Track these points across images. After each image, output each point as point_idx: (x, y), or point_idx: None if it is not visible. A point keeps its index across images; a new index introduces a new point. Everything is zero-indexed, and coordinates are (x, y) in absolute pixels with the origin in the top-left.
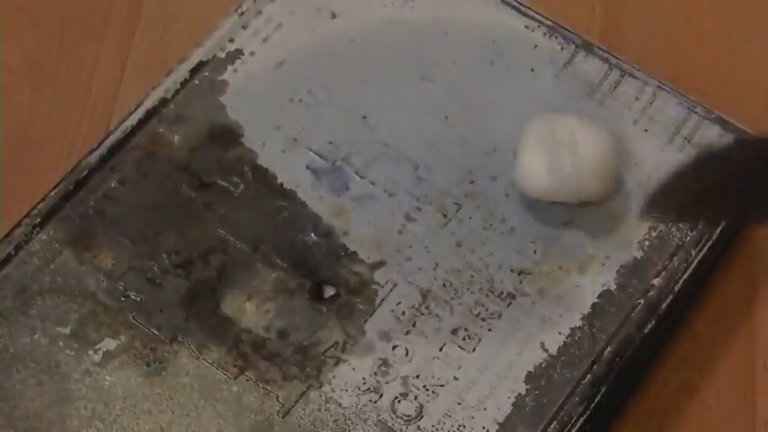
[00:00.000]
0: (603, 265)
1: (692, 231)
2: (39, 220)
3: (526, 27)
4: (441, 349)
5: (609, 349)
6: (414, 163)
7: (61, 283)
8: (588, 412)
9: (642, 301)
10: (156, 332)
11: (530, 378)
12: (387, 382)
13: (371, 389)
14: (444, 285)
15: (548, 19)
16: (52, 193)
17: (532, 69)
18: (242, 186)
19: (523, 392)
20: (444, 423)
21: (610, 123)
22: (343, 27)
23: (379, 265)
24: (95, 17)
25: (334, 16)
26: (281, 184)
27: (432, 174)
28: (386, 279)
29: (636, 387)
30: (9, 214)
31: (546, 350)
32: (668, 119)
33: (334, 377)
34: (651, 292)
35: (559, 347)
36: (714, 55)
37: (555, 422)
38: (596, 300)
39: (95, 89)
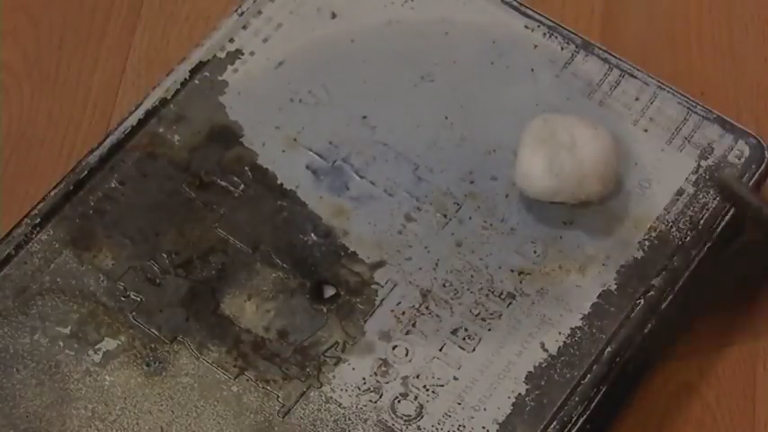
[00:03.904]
0: (603, 265)
1: (692, 231)
2: (39, 220)
3: (526, 27)
4: (441, 349)
5: (609, 349)
6: (414, 163)
7: (61, 283)
8: (588, 412)
9: (642, 301)
10: (156, 332)
11: (530, 378)
12: (387, 382)
13: (371, 389)
14: (444, 285)
15: (548, 19)
16: (52, 193)
17: (532, 69)
18: (242, 186)
19: (523, 392)
20: (444, 423)
21: (610, 123)
22: (343, 27)
23: (379, 265)
24: (95, 17)
25: (334, 16)
26: (281, 184)
27: (432, 174)
28: (386, 279)
29: (636, 387)
30: (9, 214)
31: (546, 350)
32: (668, 119)
33: (334, 377)
34: (651, 292)
35: (559, 347)
36: (714, 55)
37: (555, 422)
38: (596, 300)
39: (95, 89)
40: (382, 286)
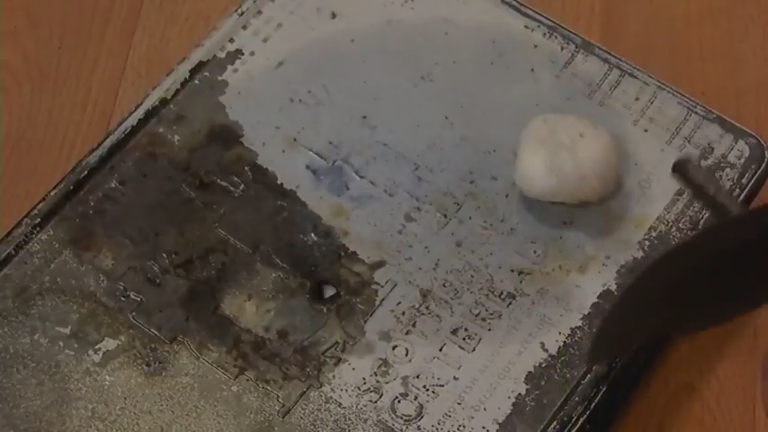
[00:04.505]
0: (603, 265)
1: (692, 231)
2: (39, 220)
3: (526, 27)
4: (441, 349)
5: None
6: (414, 163)
7: (61, 283)
8: (588, 412)
9: None
10: (156, 332)
11: (530, 378)
12: (387, 382)
13: (371, 389)
14: (444, 285)
15: (548, 19)
16: (52, 193)
17: (532, 69)
18: (242, 186)
19: (523, 392)
20: (444, 423)
21: (610, 123)
22: (343, 27)
23: (379, 265)
24: (95, 17)
25: (334, 16)
26: (281, 184)
27: (432, 174)
28: (386, 279)
29: (636, 387)
30: (9, 214)
31: (546, 350)
32: (668, 119)
33: (334, 377)
34: None
35: (559, 347)
36: (714, 55)
37: (555, 422)
38: (596, 300)
39: (95, 89)
40: (382, 286)
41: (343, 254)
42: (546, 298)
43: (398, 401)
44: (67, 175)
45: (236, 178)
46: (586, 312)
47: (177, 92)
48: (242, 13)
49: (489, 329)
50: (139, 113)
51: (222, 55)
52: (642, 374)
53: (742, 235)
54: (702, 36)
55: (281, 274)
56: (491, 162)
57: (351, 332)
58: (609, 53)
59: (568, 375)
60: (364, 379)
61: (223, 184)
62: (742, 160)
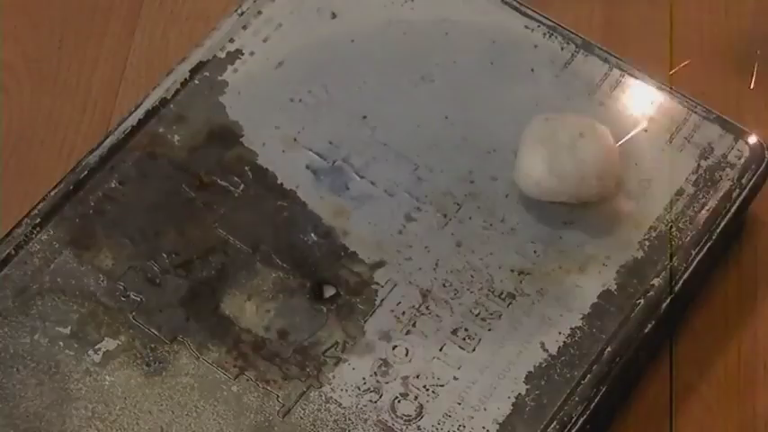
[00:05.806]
0: (603, 265)
1: (692, 231)
2: (39, 220)
3: (526, 27)
4: (441, 349)
5: (609, 349)
6: (414, 163)
7: (61, 283)
8: (588, 412)
9: (642, 301)
10: (156, 332)
11: (530, 378)
12: (387, 382)
13: (371, 389)
14: (444, 285)
15: (548, 19)
16: (52, 193)
17: (532, 69)
18: (242, 186)
19: (523, 392)
20: (444, 423)
21: (610, 123)
22: (343, 27)
23: (379, 265)
24: (95, 17)
25: (334, 16)
26: (281, 184)
27: (432, 174)
28: (386, 279)
29: (636, 387)
30: (9, 214)
31: (546, 350)
32: (668, 119)
33: (334, 377)
34: (651, 292)
35: (559, 347)
36: (714, 55)
37: (555, 422)
38: (596, 300)
39: (95, 89)
40: (382, 286)
41: (343, 254)
42: (546, 298)
43: (398, 401)
44: (67, 175)
45: (236, 178)
46: (586, 312)
47: (177, 92)
48: (242, 13)
49: (489, 329)
50: (139, 113)
51: (222, 55)
52: (642, 374)
53: None
54: (702, 36)
55: (281, 274)
56: (491, 162)
57: (351, 332)
58: (609, 53)
59: (568, 375)
60: (364, 379)
61: (223, 184)
62: (742, 160)
